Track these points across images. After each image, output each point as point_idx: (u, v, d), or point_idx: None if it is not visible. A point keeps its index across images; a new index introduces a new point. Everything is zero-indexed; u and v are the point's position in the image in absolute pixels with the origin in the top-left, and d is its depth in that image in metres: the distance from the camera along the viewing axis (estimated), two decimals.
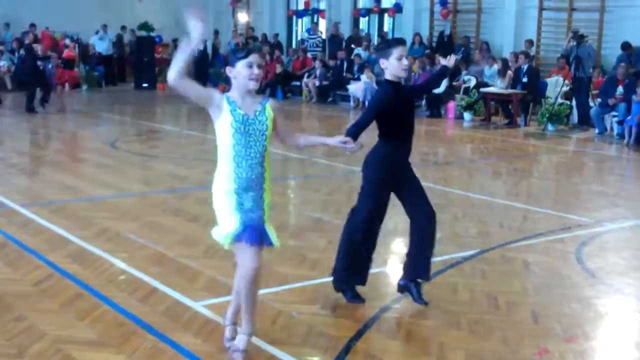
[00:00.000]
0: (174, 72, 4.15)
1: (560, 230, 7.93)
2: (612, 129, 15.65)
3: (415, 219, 5.55)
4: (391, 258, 6.90)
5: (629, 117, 14.44)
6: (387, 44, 5.33)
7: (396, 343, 4.94)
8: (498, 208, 9.14)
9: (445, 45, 20.78)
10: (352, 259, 5.52)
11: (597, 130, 15.78)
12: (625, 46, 16.78)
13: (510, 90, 17.04)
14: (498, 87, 17.36)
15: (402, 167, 5.46)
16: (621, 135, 14.96)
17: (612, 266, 6.78)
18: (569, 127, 16.54)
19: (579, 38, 16.42)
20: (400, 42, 5.33)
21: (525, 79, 17.11)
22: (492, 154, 13.49)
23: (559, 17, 19.55)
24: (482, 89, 17.49)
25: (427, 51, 20.36)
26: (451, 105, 17.96)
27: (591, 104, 16.45)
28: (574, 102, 16.70)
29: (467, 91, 18.19)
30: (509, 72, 17.33)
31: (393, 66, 5.22)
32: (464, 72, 18.56)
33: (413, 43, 21.29)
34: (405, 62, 5.21)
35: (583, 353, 4.87)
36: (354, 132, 5.02)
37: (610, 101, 15.35)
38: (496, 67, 18.02)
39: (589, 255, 7.05)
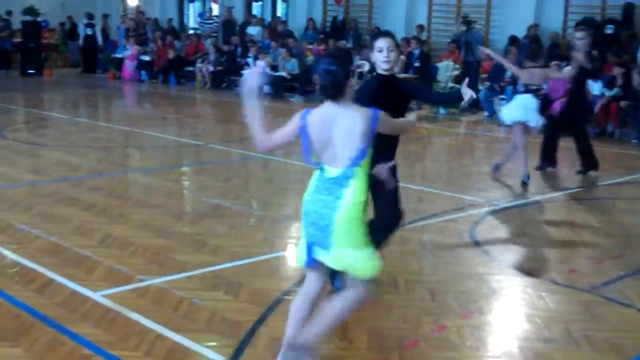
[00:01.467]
0: (260, 141, 4.04)
1: (454, 210, 8.16)
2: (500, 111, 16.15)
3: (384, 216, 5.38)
4: (290, 243, 6.93)
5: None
6: (373, 36, 5.31)
7: None
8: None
9: (338, 30, 20.96)
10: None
11: (486, 113, 16.27)
12: (513, 41, 17.22)
13: (402, 75, 17.33)
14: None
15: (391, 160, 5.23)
16: None
17: (503, 243, 7.04)
18: (460, 110, 16.98)
19: (468, 23, 16.87)
20: (383, 34, 5.26)
21: (417, 64, 17.45)
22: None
23: (449, 2, 20.01)
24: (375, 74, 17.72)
25: (321, 36, 20.47)
26: None
27: (480, 87, 16.94)
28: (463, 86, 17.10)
29: (361, 76, 18.38)
30: (402, 57, 17.63)
31: (376, 58, 5.17)
32: (357, 57, 18.75)
33: (307, 28, 21.38)
34: (385, 54, 5.10)
35: (478, 327, 5.04)
36: None
37: (497, 87, 15.83)
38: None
39: (482, 233, 7.29)
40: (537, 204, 8.70)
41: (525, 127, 9.50)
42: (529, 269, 6.34)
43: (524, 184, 9.31)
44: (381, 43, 5.11)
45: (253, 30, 22.13)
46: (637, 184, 9.99)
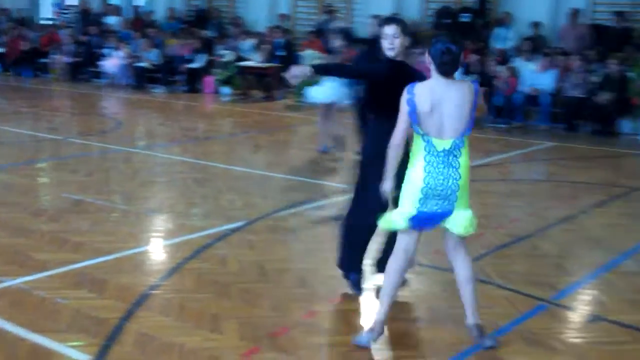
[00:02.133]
0: (395, 145, 4.45)
1: (321, 197, 8.24)
2: None
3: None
4: (155, 237, 6.81)
5: None
6: (382, 21, 5.24)
7: (169, 319, 4.89)
8: (261, 179, 9.29)
9: (201, 20, 20.69)
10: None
11: (350, 102, 16.48)
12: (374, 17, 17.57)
13: (267, 64, 17.33)
14: (255, 61, 17.59)
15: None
16: None
17: None
18: None
19: (331, 12, 17.03)
20: (390, 20, 5.17)
21: (281, 53, 17.47)
22: (252, 127, 13.68)
23: None
24: (240, 63, 17.64)
25: (184, 26, 20.15)
26: (209, 79, 17.95)
27: None
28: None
29: (224, 66, 18.24)
30: (265, 46, 17.62)
31: (383, 44, 5.11)
32: (221, 47, 18.59)
33: (168, 17, 20.99)
34: (390, 40, 5.05)
35: (347, 311, 5.12)
36: (337, 66, 5.19)
37: None
38: (252, 41, 18.24)
39: None
40: None
41: (332, 106, 10.59)
42: None
43: (325, 152, 10.42)
44: (387, 30, 5.08)
45: (112, 20, 21.51)
46: (494, 166, 10.40)
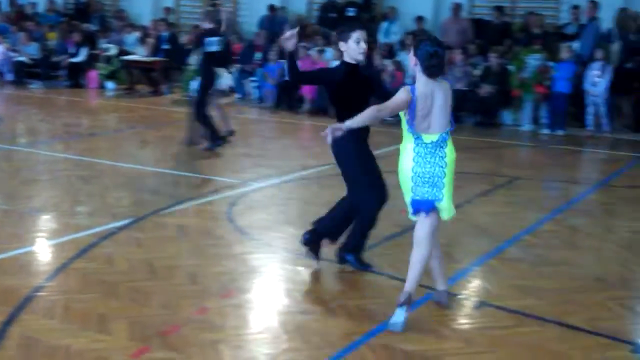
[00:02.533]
0: (372, 116, 4.70)
1: (210, 192, 8.15)
2: (252, 93, 16.36)
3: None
4: (39, 237, 6.57)
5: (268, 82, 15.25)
6: (348, 27, 5.45)
7: (54, 322, 4.72)
8: (149, 176, 9.12)
9: (82, 13, 20.11)
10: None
11: (238, 95, 16.41)
12: (271, 8, 17.56)
13: (152, 58, 17.01)
14: (140, 55, 17.24)
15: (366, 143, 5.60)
16: (261, 99, 15.73)
17: (260, 222, 7.13)
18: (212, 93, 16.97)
19: (215, 5, 16.85)
20: (360, 26, 5.49)
21: (166, 47, 17.19)
22: (139, 122, 13.40)
23: None
24: (124, 57, 17.25)
25: (64, 19, 19.53)
26: (93, 74, 17.48)
27: (231, 69, 17.05)
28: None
29: (108, 60, 17.80)
30: (150, 40, 17.29)
31: (352, 49, 5.35)
32: (104, 41, 18.12)
33: (47, 10, 20.30)
34: (363, 45, 5.34)
35: (239, 306, 5.08)
36: (296, 71, 5.33)
37: (248, 67, 16.03)
38: (137, 34, 17.87)
39: (239, 214, 7.34)
40: (291, 182, 8.91)
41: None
42: (286, 245, 6.48)
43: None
44: (359, 35, 5.36)
45: None
46: (381, 158, 10.52)
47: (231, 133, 11.04)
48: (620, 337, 4.75)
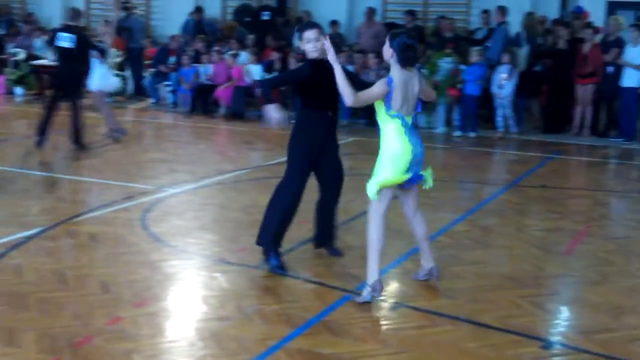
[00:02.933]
0: (350, 97, 5.11)
1: (124, 199, 8.00)
2: (166, 98, 16.17)
3: (326, 190, 6.07)
4: None
5: (181, 86, 15.09)
6: (302, 28, 5.85)
7: None
8: (60, 183, 8.91)
9: None
10: (284, 227, 5.94)
11: (152, 100, 16.20)
12: (197, 10, 17.40)
13: None
14: (49, 59, 16.82)
15: (323, 137, 5.87)
16: (175, 104, 15.57)
17: (175, 229, 7.04)
18: (125, 98, 16.72)
19: (128, 9, 16.61)
20: (313, 25, 5.81)
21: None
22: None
23: None
24: (33, 62, 16.79)
25: None
26: (0, 80, 16.97)
27: (145, 74, 16.82)
28: (128, 73, 16.90)
29: (16, 65, 17.31)
30: None
31: (306, 48, 5.70)
32: (12, 45, 17.61)
33: None
34: (314, 43, 5.64)
35: (154, 314, 4.99)
36: (266, 82, 5.92)
37: (163, 68, 15.83)
38: (46, 38, 17.42)
39: (153, 220, 7.24)
40: (207, 187, 8.83)
41: (103, 93, 11.82)
42: (202, 251, 6.42)
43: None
44: (310, 34, 5.67)
45: None
46: None
47: (119, 132, 11.69)
48: (530, 334, 4.87)
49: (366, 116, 13.75)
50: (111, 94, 12.26)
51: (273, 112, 5.78)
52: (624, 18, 13.75)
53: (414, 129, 5.32)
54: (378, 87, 5.19)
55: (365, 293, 5.26)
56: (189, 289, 5.59)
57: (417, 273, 5.76)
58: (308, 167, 5.90)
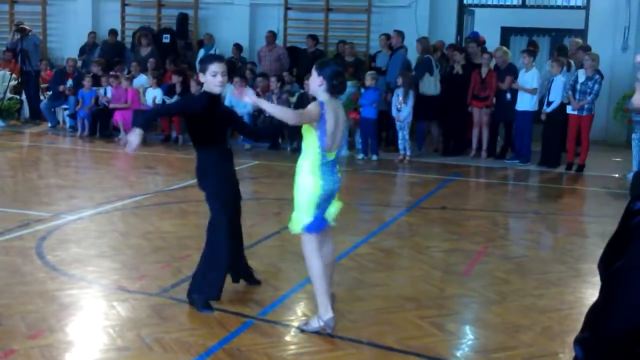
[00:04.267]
0: (293, 115, 5.04)
1: (18, 227, 7.75)
2: (64, 121, 15.79)
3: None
4: None
5: (81, 110, 14.77)
6: (207, 60, 5.59)
7: None
8: None
9: None
10: (226, 269, 5.63)
11: (49, 124, 15.79)
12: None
13: None
14: None
15: (232, 170, 5.78)
16: (73, 127, 15.21)
17: (73, 256, 6.85)
18: (22, 122, 16.26)
19: (23, 31, 16.20)
20: (218, 59, 5.64)
21: None
22: None
23: (1, 9, 18.97)
24: None
25: None
26: None
27: (42, 97, 16.40)
28: (23, 96, 16.45)
29: None
30: None
31: (209, 81, 5.47)
32: None
33: None
34: (219, 78, 5.45)
35: (49, 346, 4.83)
36: (160, 109, 5.95)
37: (62, 88, 15.46)
38: None
39: (50, 248, 7.03)
40: (106, 213, 8.64)
41: None
42: (101, 279, 6.26)
43: None
44: (215, 67, 5.47)
45: None
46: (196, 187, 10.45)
47: None
48: (431, 355, 4.94)
49: (269, 139, 13.74)
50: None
51: (136, 137, 5.24)
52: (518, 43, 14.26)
53: (334, 166, 5.17)
54: (314, 107, 5.01)
55: (316, 325, 5.16)
56: (87, 318, 5.44)
57: (307, 323, 5.38)
58: (230, 197, 5.72)
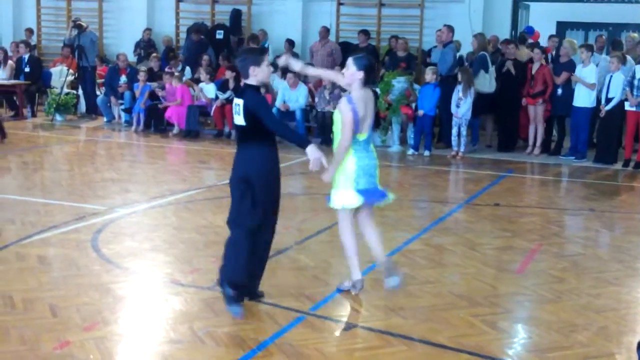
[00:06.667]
0: (345, 146, 5.54)
1: (74, 220, 7.88)
2: (120, 116, 16.00)
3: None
4: None
5: (136, 105, 14.95)
6: (259, 51, 5.64)
7: None
8: (9, 204, 8.71)
9: None
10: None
11: (105, 119, 16.03)
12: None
13: (13, 81, 16.38)
14: (0, 78, 16.56)
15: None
16: (129, 122, 15.41)
17: (127, 250, 6.94)
18: (78, 116, 16.54)
19: (80, 27, 16.45)
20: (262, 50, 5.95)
21: (27, 69, 16.60)
22: (0, 148, 12.82)
23: (58, 5, 19.31)
24: None
25: None
26: None
27: (97, 92, 16.65)
28: (80, 92, 16.72)
29: None
30: (10, 62, 16.65)
31: (264, 72, 5.41)
32: None
33: None
34: (271, 68, 5.63)
35: (103, 338, 4.90)
36: (283, 126, 5.65)
37: (121, 88, 15.67)
38: None
39: (105, 242, 7.13)
40: (160, 207, 8.73)
41: None
42: (154, 273, 6.33)
43: None
44: (267, 58, 5.48)
45: None
46: None
47: None
48: (484, 353, 4.88)
49: (320, 134, 13.76)
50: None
51: (315, 152, 5.30)
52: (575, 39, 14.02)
53: (367, 144, 5.65)
54: (345, 110, 5.49)
55: (347, 284, 5.90)
56: (140, 311, 5.50)
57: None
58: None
